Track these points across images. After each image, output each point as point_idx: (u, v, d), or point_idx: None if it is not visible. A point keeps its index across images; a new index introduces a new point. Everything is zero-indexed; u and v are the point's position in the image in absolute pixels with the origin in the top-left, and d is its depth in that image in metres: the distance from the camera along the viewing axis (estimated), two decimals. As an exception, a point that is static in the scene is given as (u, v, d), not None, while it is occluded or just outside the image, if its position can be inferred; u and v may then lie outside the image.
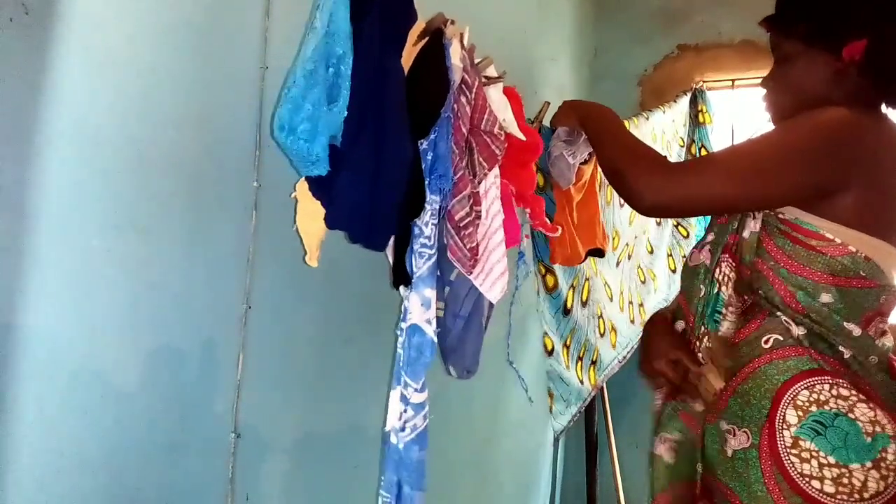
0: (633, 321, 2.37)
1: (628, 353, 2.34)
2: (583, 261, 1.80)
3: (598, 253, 1.84)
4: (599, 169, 1.87)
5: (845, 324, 1.05)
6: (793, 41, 1.14)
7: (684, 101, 2.69)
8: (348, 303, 1.46)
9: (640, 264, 2.46)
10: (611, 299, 2.21)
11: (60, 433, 0.94)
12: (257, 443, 1.25)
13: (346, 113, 1.05)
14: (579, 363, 2.05)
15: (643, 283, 2.48)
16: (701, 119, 2.77)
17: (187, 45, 1.09)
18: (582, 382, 2.06)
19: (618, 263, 2.26)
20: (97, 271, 0.98)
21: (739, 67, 2.81)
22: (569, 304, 1.95)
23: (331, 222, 1.11)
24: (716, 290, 1.14)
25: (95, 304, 0.98)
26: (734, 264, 1.13)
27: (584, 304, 2.02)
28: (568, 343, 1.99)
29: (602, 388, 2.71)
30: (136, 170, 1.02)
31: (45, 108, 0.90)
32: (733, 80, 2.85)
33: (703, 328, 1.15)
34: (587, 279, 2.03)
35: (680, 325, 1.20)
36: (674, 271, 2.65)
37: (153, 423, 1.06)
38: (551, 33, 2.62)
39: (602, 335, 2.15)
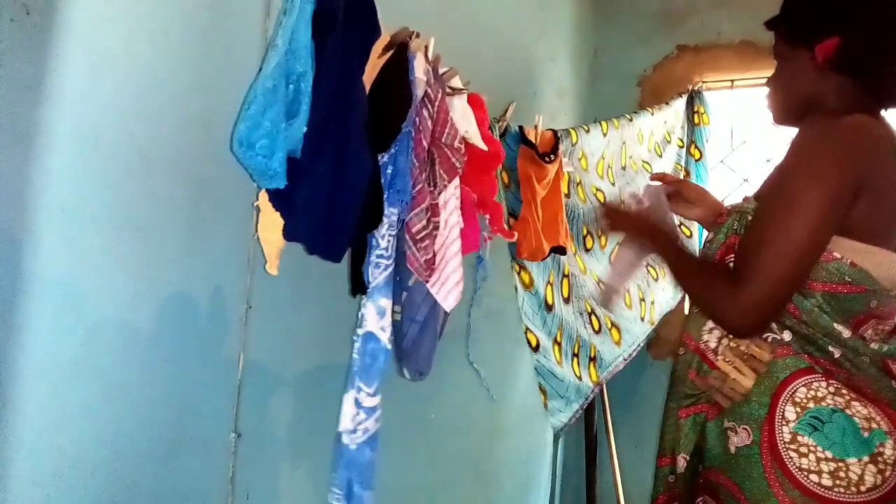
0: (643, 318, 2.38)
1: (634, 350, 2.34)
2: (546, 256, 1.83)
3: (561, 251, 1.87)
4: (565, 170, 1.91)
5: (835, 325, 1.07)
6: (781, 41, 1.18)
7: (679, 103, 2.69)
8: (348, 303, 1.46)
9: (650, 261, 2.46)
10: None
11: (60, 432, 0.94)
12: (257, 442, 1.25)
13: (306, 128, 1.07)
14: (575, 360, 2.05)
15: (656, 280, 2.47)
16: (697, 120, 2.77)
17: (187, 45, 1.10)
18: (581, 379, 2.06)
19: (611, 261, 2.26)
20: (96, 271, 0.98)
21: (739, 68, 2.81)
22: (549, 301, 1.96)
23: (288, 234, 1.13)
24: None
25: (95, 304, 0.98)
26: None
27: (566, 300, 2.03)
28: (559, 339, 2.00)
29: (602, 387, 2.71)
30: (137, 170, 1.02)
31: (45, 108, 0.90)
32: (732, 81, 2.85)
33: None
34: (565, 276, 2.04)
35: (695, 308, 1.23)
36: None
37: (153, 422, 1.07)
38: (551, 33, 2.63)
39: (598, 332, 2.15)
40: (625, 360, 2.30)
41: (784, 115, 1.21)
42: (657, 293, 2.48)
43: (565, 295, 2.03)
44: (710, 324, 1.18)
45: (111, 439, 1.00)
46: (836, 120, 1.07)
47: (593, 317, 2.14)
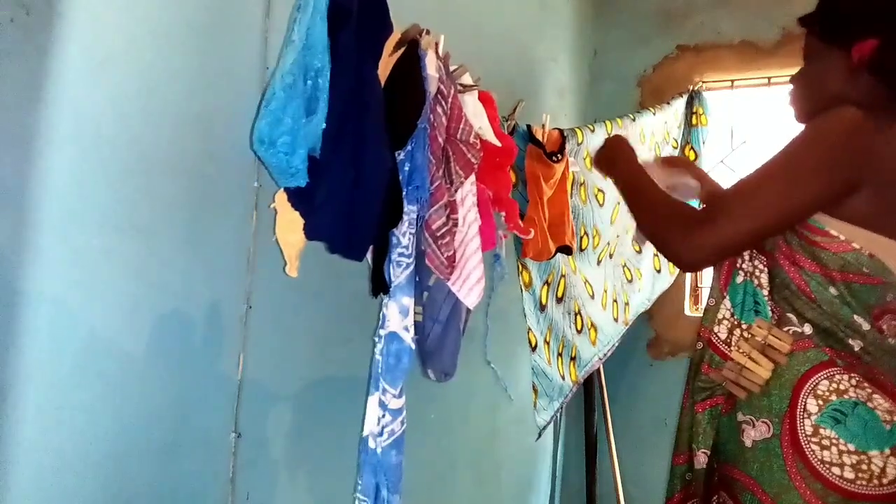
0: (616, 319, 2.39)
1: (609, 350, 2.36)
2: (552, 256, 1.83)
3: (567, 250, 1.87)
4: (571, 170, 1.92)
5: (855, 317, 1.07)
6: (814, 39, 1.17)
7: (679, 103, 2.69)
8: (348, 303, 1.47)
9: (627, 263, 2.47)
10: (592, 297, 2.22)
11: (61, 433, 0.94)
12: (257, 442, 1.25)
13: (325, 125, 1.06)
14: (559, 359, 2.07)
15: (630, 281, 2.49)
16: (695, 121, 2.76)
17: (187, 45, 1.10)
18: (563, 378, 2.08)
19: (599, 262, 2.27)
20: (97, 271, 0.98)
21: (739, 68, 2.81)
22: (543, 301, 1.97)
23: (310, 233, 1.11)
24: (748, 283, 1.18)
25: (95, 304, 0.98)
26: (763, 257, 1.17)
27: (559, 300, 2.04)
28: (548, 339, 2.01)
29: (602, 386, 2.72)
30: (137, 170, 1.02)
31: (45, 108, 0.90)
32: (732, 81, 2.85)
33: (741, 321, 1.18)
34: (563, 276, 2.05)
35: (711, 301, 1.24)
36: (658, 271, 2.65)
37: (154, 423, 1.06)
38: (551, 33, 2.63)
39: (580, 332, 2.17)
40: (600, 359, 2.32)
41: (809, 114, 1.19)
42: (631, 295, 2.49)
43: (559, 295, 2.04)
44: (721, 315, 1.20)
45: (111, 439, 1.00)
46: (850, 111, 1.06)
47: (578, 317, 2.16)
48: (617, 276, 2.41)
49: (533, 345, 1.94)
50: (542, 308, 1.98)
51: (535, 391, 1.99)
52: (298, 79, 1.03)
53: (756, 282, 1.17)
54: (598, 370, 2.58)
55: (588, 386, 2.68)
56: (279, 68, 1.04)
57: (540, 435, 2.09)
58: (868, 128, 1.05)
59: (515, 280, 1.91)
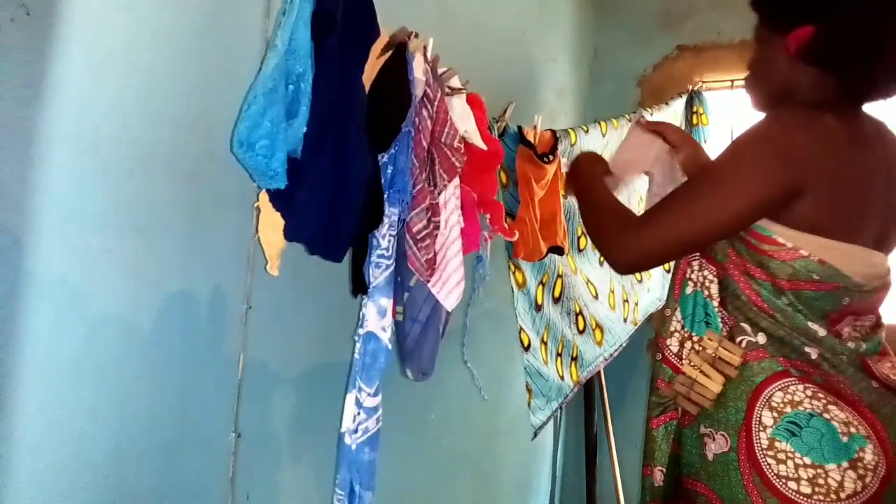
0: (626, 319, 2.39)
1: (616, 350, 2.36)
2: (544, 256, 1.84)
3: (558, 251, 1.88)
4: (563, 170, 1.92)
5: (810, 324, 1.04)
6: (760, 24, 1.14)
7: (679, 103, 2.69)
8: (348, 302, 1.46)
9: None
10: (595, 297, 2.22)
11: (60, 433, 0.94)
12: (257, 442, 1.25)
13: (306, 128, 1.07)
14: (558, 359, 2.07)
15: (640, 281, 2.49)
16: (695, 121, 2.77)
17: (187, 45, 1.10)
18: (562, 378, 2.08)
19: (601, 262, 2.27)
20: (97, 271, 0.98)
21: (739, 68, 2.80)
22: (539, 301, 1.98)
23: (289, 234, 1.12)
24: (698, 294, 1.14)
25: (95, 304, 0.98)
26: (712, 267, 1.13)
27: (556, 300, 2.04)
28: (545, 339, 2.01)
29: (602, 387, 2.72)
30: (137, 170, 1.02)
31: (45, 108, 0.90)
32: (732, 81, 2.85)
33: (692, 333, 1.14)
34: (559, 276, 2.05)
35: (667, 311, 1.22)
36: (668, 271, 2.66)
37: (153, 423, 1.06)
38: (551, 34, 2.63)
39: (581, 332, 2.17)
40: (605, 359, 2.31)
41: (761, 101, 1.17)
42: (641, 294, 2.49)
43: (556, 295, 2.05)
44: (672, 326, 1.16)
45: (111, 439, 1.00)
46: (788, 112, 1.04)
47: (580, 317, 2.15)
48: (626, 277, 2.41)
49: (525, 345, 1.94)
50: (539, 308, 1.98)
51: (529, 391, 1.99)
52: (279, 83, 1.04)
53: (706, 293, 1.13)
54: (598, 370, 2.58)
55: (588, 386, 2.68)
56: (261, 73, 1.05)
57: (535, 435, 2.08)
58: (808, 128, 1.02)
59: (508, 280, 1.91)
